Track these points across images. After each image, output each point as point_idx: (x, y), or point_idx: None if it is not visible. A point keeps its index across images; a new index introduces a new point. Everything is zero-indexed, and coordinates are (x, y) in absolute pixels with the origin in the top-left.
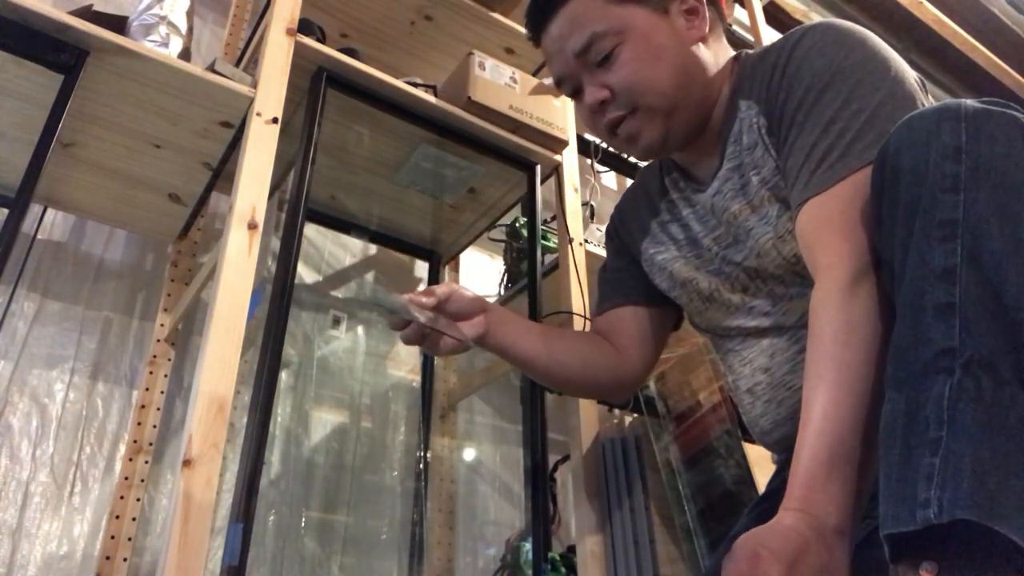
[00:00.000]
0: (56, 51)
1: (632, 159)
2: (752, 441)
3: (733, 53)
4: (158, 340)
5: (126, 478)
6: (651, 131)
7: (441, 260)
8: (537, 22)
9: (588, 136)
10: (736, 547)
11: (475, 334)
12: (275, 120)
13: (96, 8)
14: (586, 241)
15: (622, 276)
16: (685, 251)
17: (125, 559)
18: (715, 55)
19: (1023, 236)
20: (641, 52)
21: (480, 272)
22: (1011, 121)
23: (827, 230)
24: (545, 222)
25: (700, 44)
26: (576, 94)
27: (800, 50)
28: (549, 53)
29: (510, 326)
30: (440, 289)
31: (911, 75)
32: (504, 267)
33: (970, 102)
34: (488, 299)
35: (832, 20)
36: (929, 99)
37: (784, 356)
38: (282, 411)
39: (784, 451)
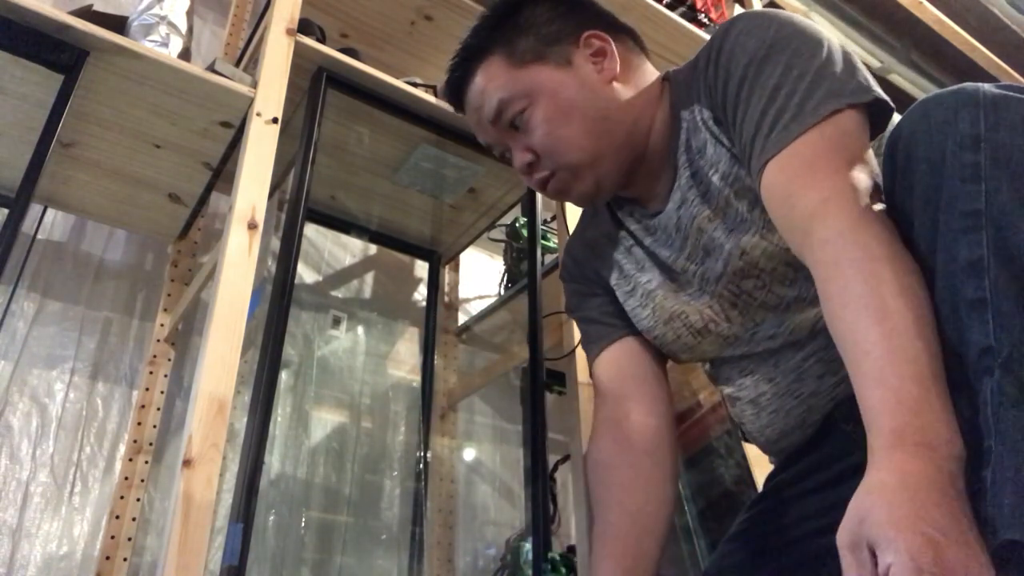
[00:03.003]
0: (56, 51)
1: None
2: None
3: (659, 75)
4: (158, 340)
5: (126, 478)
6: (580, 185)
7: (441, 260)
8: (455, 97)
9: None
10: (852, 536)
11: None
12: (275, 120)
13: (96, 8)
14: None
15: (599, 312)
16: (659, 278)
17: (125, 559)
18: (637, 85)
19: None
20: (551, 113)
21: (480, 272)
22: None
23: (808, 173)
24: (545, 222)
25: (614, 84)
26: (505, 157)
27: (729, 39)
28: (472, 122)
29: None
30: None
31: (844, 48)
32: (504, 267)
33: (988, 87)
34: (487, 298)
35: (755, 9)
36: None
37: (789, 365)
38: (282, 411)
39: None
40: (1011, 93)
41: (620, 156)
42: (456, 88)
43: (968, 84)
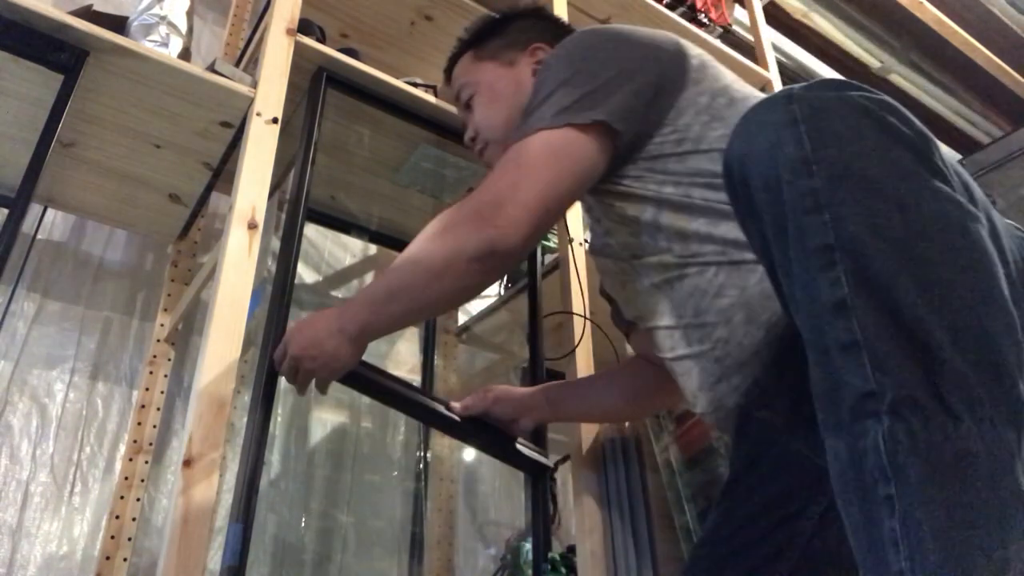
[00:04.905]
0: (56, 51)
1: None
2: None
3: None
4: (158, 340)
5: (126, 478)
6: (495, 161)
7: None
8: (447, 79)
9: None
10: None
11: (529, 428)
12: (275, 120)
13: (96, 8)
14: (586, 241)
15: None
16: (595, 248)
17: (125, 559)
18: None
19: (900, 241)
20: (485, 99)
21: None
22: (850, 107)
23: (499, 167)
24: None
25: None
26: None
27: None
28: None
29: (558, 407)
30: (477, 407)
31: (643, 61)
32: None
33: (800, 92)
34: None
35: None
36: (698, 61)
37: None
38: (282, 411)
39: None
40: (827, 93)
41: None
42: (448, 73)
43: (780, 92)
